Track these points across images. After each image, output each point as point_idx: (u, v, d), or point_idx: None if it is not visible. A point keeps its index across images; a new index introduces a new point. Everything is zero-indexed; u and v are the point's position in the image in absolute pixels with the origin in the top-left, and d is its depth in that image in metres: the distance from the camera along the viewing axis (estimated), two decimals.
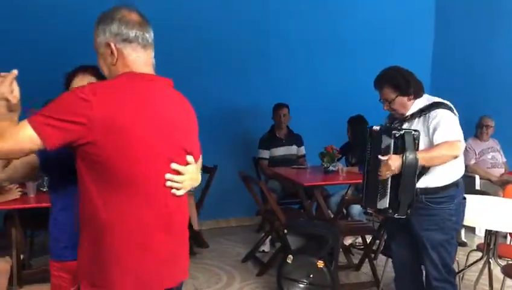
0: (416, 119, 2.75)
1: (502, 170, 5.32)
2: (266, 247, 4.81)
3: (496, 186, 4.95)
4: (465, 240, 5.05)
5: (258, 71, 5.53)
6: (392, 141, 2.60)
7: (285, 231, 3.63)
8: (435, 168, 2.68)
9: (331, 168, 4.49)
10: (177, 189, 1.63)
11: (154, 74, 1.68)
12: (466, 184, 2.94)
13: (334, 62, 5.82)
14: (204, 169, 4.77)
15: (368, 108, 5.06)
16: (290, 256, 3.54)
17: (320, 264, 3.45)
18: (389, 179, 2.63)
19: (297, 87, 5.64)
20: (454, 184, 2.74)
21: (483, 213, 3.26)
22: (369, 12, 5.94)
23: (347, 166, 4.90)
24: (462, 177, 2.81)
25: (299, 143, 5.29)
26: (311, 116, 5.51)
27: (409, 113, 2.78)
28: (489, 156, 5.33)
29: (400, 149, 2.59)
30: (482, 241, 3.55)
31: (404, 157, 2.54)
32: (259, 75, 5.53)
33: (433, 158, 2.61)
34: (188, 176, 1.65)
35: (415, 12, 6.22)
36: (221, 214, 5.61)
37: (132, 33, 1.60)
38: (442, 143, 2.59)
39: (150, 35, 1.66)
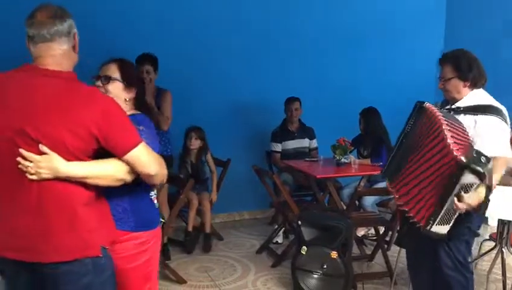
0: (462, 115, 2.65)
1: None
2: (280, 239, 4.87)
3: (508, 177, 4.95)
4: (479, 232, 5.05)
5: (270, 66, 5.56)
6: (478, 182, 2.37)
7: (299, 222, 3.68)
8: None
9: (343, 160, 4.53)
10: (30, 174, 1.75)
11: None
12: None
13: (345, 55, 5.83)
14: (218, 163, 4.89)
15: (379, 100, 5.11)
16: (304, 247, 3.59)
17: (334, 255, 3.50)
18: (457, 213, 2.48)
19: (308, 80, 5.66)
20: None
21: (496, 203, 3.26)
22: (380, 7, 5.94)
23: (359, 158, 4.95)
24: None
25: (311, 136, 5.33)
26: (322, 109, 5.54)
27: (461, 104, 2.68)
28: None
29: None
30: (495, 231, 3.58)
31: (485, 199, 2.41)
32: (272, 69, 5.57)
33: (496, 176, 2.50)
34: (40, 164, 1.73)
35: (425, 6, 6.20)
36: (235, 207, 5.67)
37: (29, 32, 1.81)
38: (497, 166, 2.48)
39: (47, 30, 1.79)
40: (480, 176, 2.33)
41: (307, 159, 4.98)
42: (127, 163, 1.82)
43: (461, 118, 2.60)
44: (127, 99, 2.11)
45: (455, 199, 2.39)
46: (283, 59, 5.61)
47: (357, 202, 4.85)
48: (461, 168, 2.32)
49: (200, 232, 4.75)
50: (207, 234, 4.72)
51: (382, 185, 4.71)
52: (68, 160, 1.74)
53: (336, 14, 5.79)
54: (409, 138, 2.65)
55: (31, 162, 1.71)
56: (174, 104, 4.33)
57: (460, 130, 2.47)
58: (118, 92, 2.08)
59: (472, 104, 2.65)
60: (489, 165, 2.36)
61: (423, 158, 2.52)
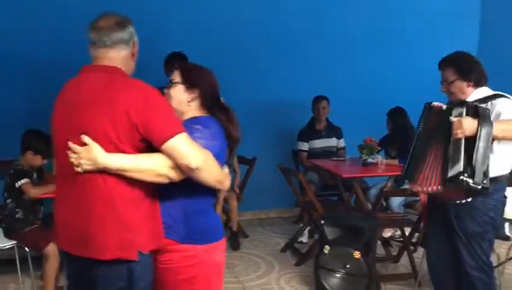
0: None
1: None
2: (304, 238, 4.87)
3: None
4: (510, 235, 4.94)
5: (298, 64, 5.56)
6: (465, 109, 2.54)
7: (322, 221, 3.68)
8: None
9: (370, 160, 4.50)
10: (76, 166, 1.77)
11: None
12: None
13: (375, 55, 5.78)
14: (244, 161, 4.93)
15: (408, 101, 5.03)
16: (327, 246, 3.58)
17: (357, 255, 3.48)
18: (462, 145, 2.51)
19: (337, 79, 5.64)
20: (495, 179, 2.65)
21: None
22: (411, 6, 5.87)
23: (387, 159, 4.90)
24: (507, 175, 2.72)
25: (339, 135, 5.30)
26: (351, 109, 5.50)
27: (471, 99, 2.72)
28: None
29: (472, 117, 2.51)
30: None
31: (479, 121, 2.47)
32: (299, 68, 5.57)
33: (505, 130, 2.54)
34: (81, 155, 1.75)
35: (459, 6, 6.07)
36: (261, 205, 5.70)
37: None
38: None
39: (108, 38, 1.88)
40: (465, 105, 2.54)
41: (334, 158, 4.96)
42: (167, 154, 1.75)
43: None
44: (189, 101, 2.04)
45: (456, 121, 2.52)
46: (312, 58, 5.61)
47: (384, 203, 4.81)
48: (448, 110, 2.60)
49: (226, 229, 4.80)
50: (234, 232, 4.76)
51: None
52: (110, 151, 1.74)
53: (366, 13, 5.75)
54: (422, 138, 2.74)
55: (75, 153, 1.75)
56: None
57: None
58: (180, 95, 2.03)
59: (481, 97, 2.70)
60: (484, 106, 2.54)
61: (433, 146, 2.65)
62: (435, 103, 2.73)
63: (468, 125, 2.48)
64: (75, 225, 1.81)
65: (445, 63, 2.80)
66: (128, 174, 1.75)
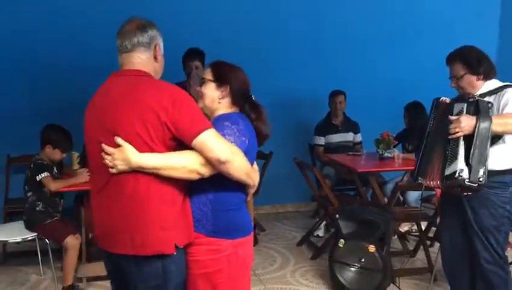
0: (487, 97, 2.68)
1: None
2: (321, 232, 4.89)
3: None
4: None
5: (315, 59, 5.56)
6: (465, 104, 2.57)
7: (337, 215, 3.69)
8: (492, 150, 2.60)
9: (386, 154, 4.48)
10: (111, 167, 1.82)
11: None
12: None
13: (392, 50, 5.75)
14: (260, 155, 4.94)
15: (425, 95, 4.99)
16: (342, 240, 3.60)
17: (372, 249, 3.48)
18: (461, 142, 2.54)
19: (354, 74, 5.62)
20: (509, 171, 2.67)
21: None
22: (429, 5, 5.82)
23: (403, 153, 4.87)
24: None
25: (356, 130, 5.30)
26: (367, 103, 5.48)
27: (480, 92, 2.72)
28: None
29: (472, 113, 2.54)
30: None
31: (478, 118, 2.48)
32: (316, 62, 5.57)
33: (507, 124, 2.53)
34: (115, 156, 1.80)
35: (479, 5, 6.00)
36: (278, 199, 5.72)
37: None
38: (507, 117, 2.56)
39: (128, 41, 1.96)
40: (466, 100, 2.57)
41: (350, 153, 4.96)
42: (198, 150, 1.79)
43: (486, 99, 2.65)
44: (221, 98, 2.09)
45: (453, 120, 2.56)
46: (329, 52, 5.60)
47: (401, 198, 4.79)
48: (450, 103, 2.68)
49: None
50: None
51: None
52: (143, 151, 1.78)
53: (384, 9, 5.72)
54: (432, 135, 2.78)
55: (109, 155, 1.80)
56: None
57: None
58: (211, 92, 2.09)
59: (490, 89, 2.71)
60: (485, 101, 2.54)
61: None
62: (442, 98, 2.75)
63: (466, 123, 2.51)
64: (113, 225, 1.87)
65: (452, 58, 2.80)
66: (161, 172, 1.80)
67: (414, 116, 4.85)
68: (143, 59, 1.96)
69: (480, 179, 2.49)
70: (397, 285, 3.73)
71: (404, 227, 4.77)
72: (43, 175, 3.48)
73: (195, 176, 1.83)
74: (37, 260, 3.81)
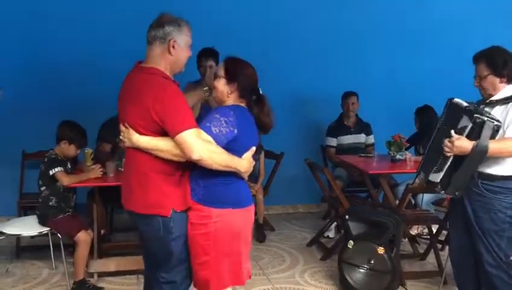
0: (498, 106, 2.68)
1: None
2: (331, 233, 4.88)
3: None
4: None
5: (327, 60, 5.56)
6: (471, 125, 2.55)
7: (347, 216, 3.69)
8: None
9: (398, 156, 4.46)
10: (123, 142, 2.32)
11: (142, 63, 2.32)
12: None
13: (405, 52, 5.73)
14: (272, 156, 4.97)
15: (437, 98, 4.96)
16: (351, 241, 3.60)
17: (381, 250, 3.47)
18: (451, 158, 2.61)
19: (367, 76, 5.61)
20: None
21: None
22: (442, 6, 5.78)
23: (416, 156, 4.84)
24: None
25: (368, 132, 5.29)
26: (380, 105, 5.48)
27: (495, 98, 2.71)
28: None
29: (474, 135, 2.54)
30: None
31: (475, 145, 2.51)
32: (329, 64, 5.57)
33: (502, 152, 2.57)
34: (124, 134, 2.28)
35: (493, 6, 5.93)
36: (289, 200, 5.73)
37: None
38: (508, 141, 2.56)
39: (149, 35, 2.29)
40: (473, 119, 2.52)
41: (362, 154, 4.95)
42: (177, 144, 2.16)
43: (495, 110, 2.67)
44: (229, 93, 2.36)
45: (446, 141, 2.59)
46: (342, 54, 5.60)
47: (412, 201, 4.77)
48: (461, 110, 2.61)
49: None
50: (259, 224, 4.82)
51: None
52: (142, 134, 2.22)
53: (396, 11, 5.71)
54: (439, 133, 2.78)
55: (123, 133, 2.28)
56: None
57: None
58: (222, 87, 2.37)
59: (505, 96, 2.68)
60: (492, 125, 2.51)
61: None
62: (456, 100, 2.72)
63: (459, 149, 2.55)
64: (128, 187, 2.36)
65: (478, 58, 2.77)
66: (152, 152, 2.22)
67: (425, 120, 4.84)
68: (157, 52, 2.27)
69: (457, 194, 2.66)
70: (406, 287, 3.72)
71: (415, 230, 4.74)
72: (56, 169, 3.53)
73: (178, 159, 2.20)
74: (49, 254, 3.86)
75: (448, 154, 2.60)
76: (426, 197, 4.67)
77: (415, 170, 4.41)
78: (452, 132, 2.59)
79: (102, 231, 4.03)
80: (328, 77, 5.54)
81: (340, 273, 3.65)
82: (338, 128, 5.23)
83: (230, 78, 2.35)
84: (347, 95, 5.18)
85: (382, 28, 5.65)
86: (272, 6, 5.34)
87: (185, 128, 2.14)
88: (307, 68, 5.48)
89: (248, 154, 2.35)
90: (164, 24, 2.26)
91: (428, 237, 4.36)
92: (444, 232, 4.22)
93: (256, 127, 2.43)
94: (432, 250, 4.12)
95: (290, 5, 5.42)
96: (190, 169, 2.30)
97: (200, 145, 2.14)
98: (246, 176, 2.38)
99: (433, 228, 4.23)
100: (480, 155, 2.54)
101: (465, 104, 2.65)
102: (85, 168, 3.75)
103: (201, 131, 2.19)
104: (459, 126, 2.60)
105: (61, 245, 3.66)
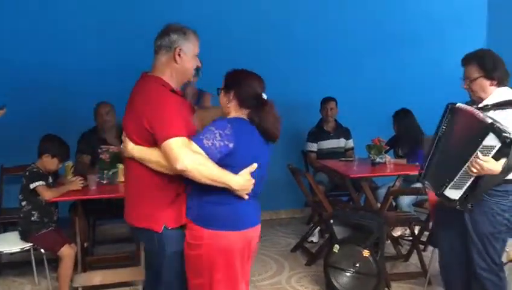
0: (492, 111, 2.63)
1: None
2: (315, 238, 4.91)
3: None
4: None
5: (306, 66, 5.61)
6: (499, 145, 2.38)
7: (331, 221, 3.72)
8: None
9: (378, 160, 4.52)
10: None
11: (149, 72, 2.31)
12: None
13: (383, 57, 5.83)
14: None
15: (415, 101, 5.08)
16: (336, 245, 3.62)
17: (366, 253, 3.51)
18: (472, 177, 2.50)
19: (345, 81, 5.67)
20: (510, 181, 2.63)
21: None
22: (415, 7, 5.91)
23: (395, 158, 4.92)
24: None
25: (347, 136, 5.35)
26: (358, 110, 5.54)
27: (488, 102, 2.68)
28: None
29: (500, 154, 2.40)
30: None
31: (504, 166, 2.44)
32: (308, 70, 5.61)
33: None
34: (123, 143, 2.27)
35: (466, 7, 6.09)
36: (272, 205, 5.73)
37: None
38: None
39: (155, 44, 2.28)
40: (501, 137, 2.36)
41: (342, 159, 5.00)
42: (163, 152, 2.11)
43: (490, 114, 2.58)
44: (228, 103, 2.27)
45: (472, 160, 2.44)
46: (320, 59, 5.65)
47: (393, 203, 4.84)
48: (486, 127, 2.40)
49: None
50: None
51: (419, 185, 4.68)
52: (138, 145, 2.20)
53: (374, 16, 5.80)
54: (445, 140, 2.69)
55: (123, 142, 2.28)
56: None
57: (495, 119, 2.49)
58: (221, 98, 2.31)
59: (500, 101, 2.65)
60: None
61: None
62: (461, 105, 2.65)
63: (489, 171, 2.43)
64: (126, 199, 2.36)
65: (468, 60, 2.73)
66: (144, 162, 2.19)
67: (402, 123, 4.92)
68: (163, 61, 2.26)
69: (470, 207, 2.58)
70: (391, 289, 3.77)
71: (397, 231, 4.80)
72: (37, 183, 3.48)
73: (166, 171, 2.14)
74: (31, 270, 3.80)
75: (474, 174, 2.48)
76: (407, 199, 4.74)
77: (395, 173, 4.55)
78: (479, 153, 2.42)
79: (85, 244, 3.98)
80: (308, 82, 5.58)
81: (327, 277, 3.68)
82: (318, 133, 5.28)
83: (226, 88, 2.29)
84: (326, 101, 5.24)
85: (359, 34, 5.73)
86: (248, 13, 5.36)
87: (172, 135, 2.07)
88: (287, 75, 5.50)
89: (245, 171, 2.17)
90: (170, 32, 2.24)
91: (411, 238, 4.42)
92: (426, 233, 4.29)
93: (263, 137, 2.27)
94: (415, 251, 4.17)
95: (266, 12, 5.44)
96: (184, 185, 2.22)
97: (186, 155, 2.04)
98: (243, 195, 2.18)
99: (415, 229, 4.30)
100: (506, 174, 2.50)
101: (488, 120, 2.44)
102: (66, 182, 3.71)
103: (192, 142, 2.09)
104: (484, 144, 2.42)
105: (45, 261, 3.61)
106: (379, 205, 4.58)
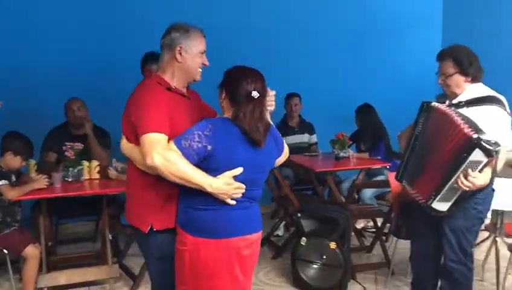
0: (465, 108, 2.63)
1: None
2: (280, 231, 4.98)
3: (506, 168, 5.00)
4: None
5: (270, 62, 5.62)
6: (486, 160, 2.41)
7: (299, 214, 3.78)
8: None
9: (342, 154, 4.61)
10: None
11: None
12: None
13: (346, 53, 5.94)
14: None
15: (375, 97, 5.20)
16: (304, 238, 3.69)
17: (333, 245, 3.59)
18: (459, 191, 2.51)
19: (308, 77, 5.74)
20: None
21: None
22: (376, 6, 6.05)
23: (357, 153, 5.03)
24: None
25: (311, 131, 5.43)
26: (321, 105, 5.62)
27: (462, 98, 2.70)
28: None
29: (486, 165, 2.45)
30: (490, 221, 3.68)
31: (491, 178, 2.52)
32: (271, 66, 5.59)
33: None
34: None
35: (422, 7, 6.28)
36: None
37: None
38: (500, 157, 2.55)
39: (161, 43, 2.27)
40: (489, 153, 2.37)
41: (306, 153, 5.07)
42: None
43: (463, 111, 2.61)
44: (221, 101, 2.19)
45: (461, 176, 2.43)
46: (284, 55, 5.69)
47: (356, 195, 4.95)
48: (472, 143, 2.36)
49: None
50: None
51: (380, 178, 4.82)
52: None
53: (337, 12, 5.90)
54: (421, 139, 2.66)
55: None
56: None
57: (470, 119, 2.51)
58: (219, 97, 2.21)
59: (473, 97, 2.68)
60: (498, 148, 2.39)
61: (444, 157, 2.54)
62: (436, 104, 2.64)
63: (480, 186, 2.47)
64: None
65: (445, 55, 2.74)
66: (132, 160, 2.20)
67: (363, 118, 5.04)
68: (165, 60, 2.25)
69: (451, 211, 2.61)
70: (357, 280, 3.86)
71: (360, 224, 4.92)
72: (0, 183, 3.38)
73: (143, 168, 2.12)
74: None
75: (465, 189, 2.48)
76: (369, 192, 4.86)
77: (358, 167, 4.65)
78: (470, 171, 2.42)
79: (50, 243, 3.89)
80: (271, 78, 5.56)
81: (294, 270, 3.74)
82: (282, 129, 5.30)
83: (220, 86, 2.21)
84: (290, 97, 5.30)
85: (323, 29, 5.81)
86: (208, 7, 5.35)
87: (149, 130, 2.02)
88: None
89: (226, 174, 2.03)
90: (171, 31, 2.21)
91: (374, 230, 4.54)
92: (388, 224, 4.41)
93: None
94: (378, 242, 4.29)
95: (228, 8, 5.45)
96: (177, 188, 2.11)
97: (157, 151, 1.97)
98: (225, 199, 2.04)
99: (377, 221, 4.42)
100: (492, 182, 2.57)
101: (474, 134, 2.38)
102: (29, 180, 3.61)
103: (172, 141, 2.02)
104: (471, 159, 2.41)
105: (8, 262, 3.51)
106: (343, 198, 4.70)
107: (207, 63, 2.30)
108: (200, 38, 2.26)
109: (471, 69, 2.68)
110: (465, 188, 2.46)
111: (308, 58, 5.79)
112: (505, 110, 2.67)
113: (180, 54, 2.20)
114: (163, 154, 1.98)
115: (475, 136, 2.36)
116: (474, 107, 2.63)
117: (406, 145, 2.74)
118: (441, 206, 2.58)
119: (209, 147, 2.01)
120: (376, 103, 5.10)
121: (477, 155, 2.39)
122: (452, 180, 2.48)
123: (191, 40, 2.22)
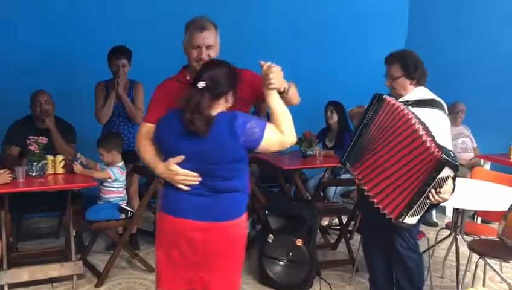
0: (410, 108, 2.74)
1: (472, 155, 5.55)
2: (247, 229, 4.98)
3: (465, 169, 5.19)
4: (436, 221, 5.32)
5: (240, 60, 5.60)
6: (453, 174, 2.60)
7: (266, 211, 3.80)
8: None
9: (308, 152, 4.66)
10: None
11: None
12: None
13: (313, 52, 5.99)
14: None
15: (340, 95, 5.27)
16: (271, 235, 3.72)
17: (299, 242, 3.63)
18: (428, 203, 2.67)
19: None
20: None
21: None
22: (341, 3, 6.12)
23: (324, 150, 5.09)
24: None
25: None
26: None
27: (407, 98, 2.87)
28: (460, 141, 5.55)
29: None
30: (451, 220, 3.78)
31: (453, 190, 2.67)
32: (241, 63, 5.62)
33: None
34: None
35: (389, 7, 6.38)
36: None
37: None
38: None
39: None
40: (456, 168, 2.57)
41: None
42: None
43: (411, 109, 2.72)
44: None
45: (432, 191, 2.59)
46: (251, 54, 5.67)
47: (321, 193, 5.01)
48: (442, 164, 2.51)
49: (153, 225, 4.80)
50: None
51: (345, 176, 4.89)
52: None
53: (307, 10, 5.93)
54: (369, 127, 2.76)
55: None
56: None
57: (423, 123, 2.63)
58: None
59: (417, 99, 2.87)
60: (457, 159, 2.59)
61: (393, 152, 2.65)
62: (388, 98, 2.73)
63: (448, 197, 2.66)
64: None
65: (392, 60, 2.94)
66: None
67: (339, 113, 5.11)
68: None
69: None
70: (322, 277, 3.92)
71: (325, 221, 4.99)
72: None
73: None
74: None
75: (439, 201, 2.65)
76: (334, 190, 4.93)
77: (325, 165, 4.71)
78: (441, 192, 2.60)
79: (11, 239, 3.80)
80: None
81: (261, 267, 3.76)
82: None
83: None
84: None
85: (291, 28, 5.84)
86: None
87: (143, 120, 2.48)
88: None
89: (170, 160, 2.19)
90: (186, 25, 2.47)
91: (338, 227, 4.61)
92: (353, 222, 4.49)
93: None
94: (343, 239, 4.36)
95: (196, 8, 5.40)
96: None
97: (138, 138, 2.41)
98: (175, 184, 2.20)
99: (342, 219, 4.49)
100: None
101: (442, 155, 2.51)
102: None
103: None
104: (441, 175, 2.55)
105: None
106: (309, 195, 4.75)
107: (202, 56, 2.39)
108: (194, 33, 2.39)
109: (416, 74, 2.89)
110: (435, 202, 2.64)
111: (273, 56, 5.74)
112: (446, 114, 2.88)
113: (183, 46, 2.45)
114: (140, 141, 2.40)
115: (444, 157, 2.50)
116: (419, 108, 2.79)
117: (354, 130, 2.89)
118: (411, 220, 2.71)
119: (157, 133, 2.30)
120: (341, 101, 5.17)
121: (445, 172, 2.55)
122: (423, 197, 2.61)
123: (187, 34, 2.43)
